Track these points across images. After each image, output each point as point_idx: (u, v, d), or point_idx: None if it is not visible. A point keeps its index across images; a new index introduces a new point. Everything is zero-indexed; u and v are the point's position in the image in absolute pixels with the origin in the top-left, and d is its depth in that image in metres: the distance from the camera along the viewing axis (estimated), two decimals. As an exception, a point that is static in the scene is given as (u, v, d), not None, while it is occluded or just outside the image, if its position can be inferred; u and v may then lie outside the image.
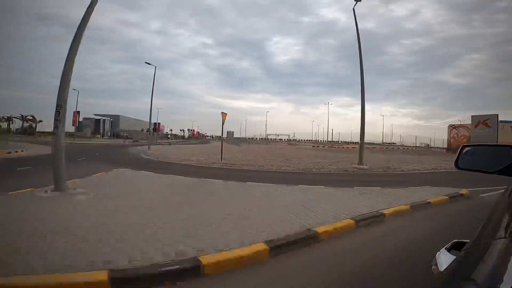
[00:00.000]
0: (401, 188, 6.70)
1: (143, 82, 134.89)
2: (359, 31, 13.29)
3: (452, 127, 31.44)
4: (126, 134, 63.29)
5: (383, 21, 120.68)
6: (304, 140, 74.30)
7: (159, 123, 63.66)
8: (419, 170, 12.11)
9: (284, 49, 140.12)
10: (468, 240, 0.84)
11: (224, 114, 14.40)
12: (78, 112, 36.03)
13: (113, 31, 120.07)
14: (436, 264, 0.86)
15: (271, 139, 72.12)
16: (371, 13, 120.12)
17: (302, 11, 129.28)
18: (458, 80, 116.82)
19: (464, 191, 6.33)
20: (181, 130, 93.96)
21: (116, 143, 38.28)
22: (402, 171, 11.60)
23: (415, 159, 18.41)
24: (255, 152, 24.28)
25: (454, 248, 0.90)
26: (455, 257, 0.80)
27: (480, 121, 17.48)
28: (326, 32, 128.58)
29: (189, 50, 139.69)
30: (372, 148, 37.78)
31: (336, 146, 46.01)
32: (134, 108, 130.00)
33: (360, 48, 13.15)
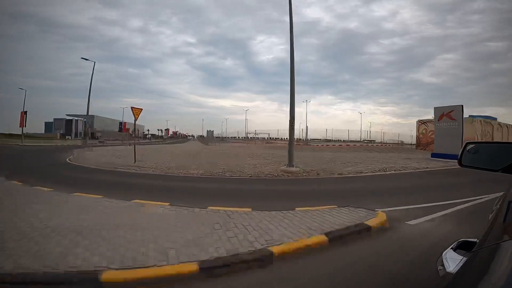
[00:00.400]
0: (289, 211, 4.30)
1: (123, 81, 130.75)
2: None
3: (420, 122, 29.55)
4: (99, 135, 60.41)
5: (364, 21, 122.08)
6: (285, 138, 72.75)
7: (125, 123, 60.37)
8: (364, 172, 9.93)
9: (268, 48, 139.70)
10: (475, 239, 0.81)
11: (136, 110, 11.91)
12: (25, 112, 32.61)
13: (92, 30, 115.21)
14: (442, 265, 0.86)
15: (251, 137, 70.14)
16: (353, 13, 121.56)
17: (286, 10, 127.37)
18: (433, 79, 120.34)
19: (379, 217, 4.02)
20: (158, 130, 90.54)
21: (72, 144, 34.90)
22: (339, 174, 9.37)
23: (374, 158, 16.38)
24: (209, 151, 22.20)
25: (461, 248, 0.90)
26: (462, 257, 0.82)
27: (444, 113, 15.42)
28: (309, 31, 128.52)
29: (171, 48, 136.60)
30: (346, 145, 36.26)
31: (306, 144, 44.00)
32: (112, 108, 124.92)
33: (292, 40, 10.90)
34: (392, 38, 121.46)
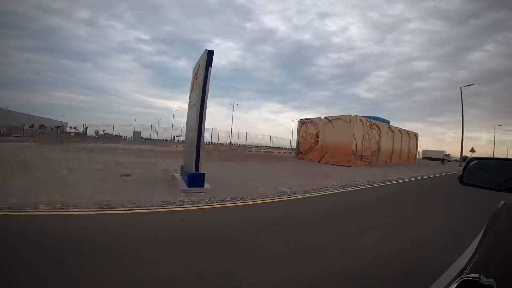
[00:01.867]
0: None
1: (56, 74, 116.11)
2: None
3: (302, 122, 24.58)
4: (3, 131, 51.63)
5: (317, 34, 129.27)
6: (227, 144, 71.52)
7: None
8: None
9: (224, 52, 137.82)
10: (476, 275, 0.74)
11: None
12: None
13: (30, 18, 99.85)
14: None
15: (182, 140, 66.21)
16: (308, 25, 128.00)
17: (246, 17, 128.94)
18: (367, 94, 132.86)
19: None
20: (72, 128, 74.05)
21: None
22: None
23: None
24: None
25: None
26: None
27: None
28: (266, 39, 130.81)
29: (119, 43, 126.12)
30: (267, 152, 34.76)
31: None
32: (41, 102, 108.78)
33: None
34: (339, 52, 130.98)
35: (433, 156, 50.04)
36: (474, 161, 1.50)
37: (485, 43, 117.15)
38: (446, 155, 50.65)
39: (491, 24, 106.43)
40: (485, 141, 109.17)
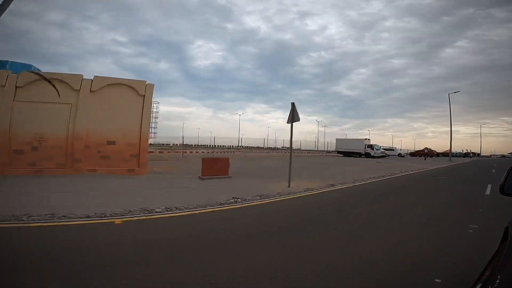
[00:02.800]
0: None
1: None
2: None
3: None
4: None
5: (298, 33, 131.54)
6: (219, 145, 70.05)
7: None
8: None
9: (206, 53, 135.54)
10: None
11: None
12: None
13: None
14: None
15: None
16: (289, 25, 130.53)
17: (227, 17, 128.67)
18: (349, 92, 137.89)
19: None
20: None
21: None
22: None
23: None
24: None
25: None
26: None
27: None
28: (247, 39, 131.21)
29: (95, 46, 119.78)
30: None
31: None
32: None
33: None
34: (319, 51, 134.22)
35: (348, 149, 36.52)
36: None
37: (457, 40, 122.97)
38: (370, 145, 35.17)
39: (461, 21, 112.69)
40: (464, 135, 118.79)
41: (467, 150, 71.24)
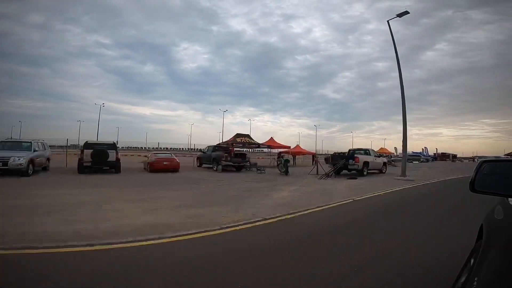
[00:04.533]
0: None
1: (10, 80, 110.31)
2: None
3: None
4: None
5: (283, 36, 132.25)
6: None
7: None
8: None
9: (192, 56, 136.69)
10: None
11: None
12: None
13: None
14: None
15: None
16: (274, 28, 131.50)
17: (212, 20, 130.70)
18: (335, 95, 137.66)
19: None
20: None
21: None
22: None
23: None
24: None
25: None
26: None
27: None
28: (233, 42, 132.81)
29: (77, 48, 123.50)
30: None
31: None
32: None
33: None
34: (305, 54, 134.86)
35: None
36: (487, 164, 1.34)
37: (436, 42, 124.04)
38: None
39: (440, 24, 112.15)
40: (447, 137, 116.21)
41: (420, 149, 63.20)
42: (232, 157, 17.28)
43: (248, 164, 18.06)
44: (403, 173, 14.48)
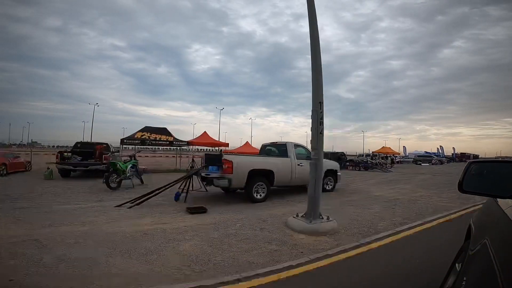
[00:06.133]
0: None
1: (30, 83, 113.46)
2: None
3: None
4: None
5: (293, 36, 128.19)
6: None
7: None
8: None
9: (204, 57, 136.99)
10: None
11: None
12: None
13: None
14: None
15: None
16: (284, 27, 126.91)
17: (222, 21, 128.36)
18: (348, 95, 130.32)
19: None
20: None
21: None
22: None
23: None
24: None
25: None
26: None
27: None
28: (243, 43, 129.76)
29: (94, 51, 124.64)
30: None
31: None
32: (17, 113, 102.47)
33: None
34: None
35: None
36: (474, 165, 1.34)
37: (453, 40, 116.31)
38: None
39: (456, 21, 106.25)
40: (467, 136, 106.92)
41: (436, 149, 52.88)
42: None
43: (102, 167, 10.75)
44: (312, 211, 4.56)
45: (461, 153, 53.90)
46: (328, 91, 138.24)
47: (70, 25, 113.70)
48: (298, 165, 7.58)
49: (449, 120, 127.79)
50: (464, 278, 0.89)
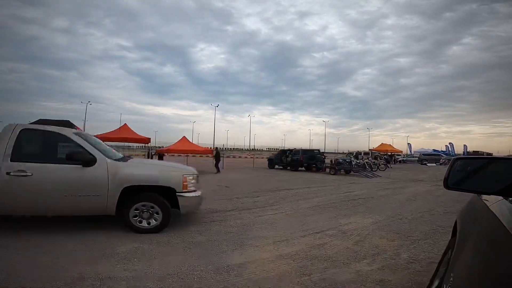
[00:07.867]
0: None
1: (40, 83, 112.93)
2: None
3: None
4: None
5: (298, 34, 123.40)
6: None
7: None
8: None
9: (209, 56, 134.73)
10: None
11: None
12: None
13: (4, 27, 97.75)
14: None
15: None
16: (289, 26, 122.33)
17: (226, 20, 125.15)
18: (355, 93, 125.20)
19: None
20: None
21: None
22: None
23: None
24: None
25: None
26: None
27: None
28: (248, 42, 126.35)
29: (101, 51, 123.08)
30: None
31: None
32: (26, 113, 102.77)
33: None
34: (322, 52, 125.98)
35: None
36: (459, 161, 1.33)
37: (462, 37, 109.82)
38: None
39: (464, 17, 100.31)
40: (479, 135, 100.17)
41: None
42: None
43: None
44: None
45: (473, 151, 47.52)
46: (334, 89, 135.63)
47: (77, 25, 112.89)
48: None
49: (459, 118, 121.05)
50: (452, 275, 0.89)
